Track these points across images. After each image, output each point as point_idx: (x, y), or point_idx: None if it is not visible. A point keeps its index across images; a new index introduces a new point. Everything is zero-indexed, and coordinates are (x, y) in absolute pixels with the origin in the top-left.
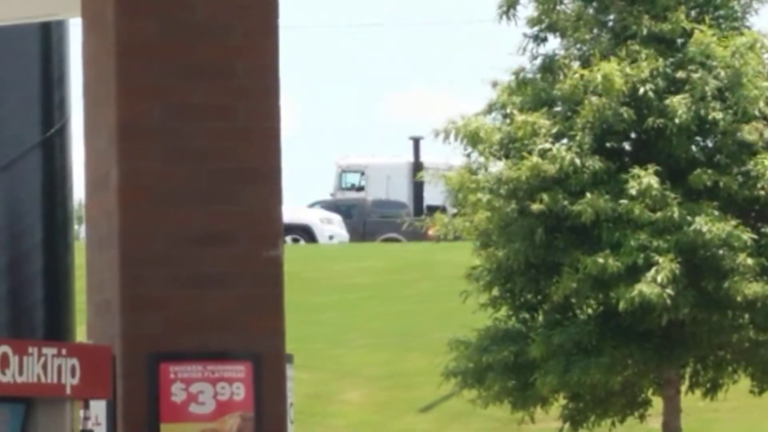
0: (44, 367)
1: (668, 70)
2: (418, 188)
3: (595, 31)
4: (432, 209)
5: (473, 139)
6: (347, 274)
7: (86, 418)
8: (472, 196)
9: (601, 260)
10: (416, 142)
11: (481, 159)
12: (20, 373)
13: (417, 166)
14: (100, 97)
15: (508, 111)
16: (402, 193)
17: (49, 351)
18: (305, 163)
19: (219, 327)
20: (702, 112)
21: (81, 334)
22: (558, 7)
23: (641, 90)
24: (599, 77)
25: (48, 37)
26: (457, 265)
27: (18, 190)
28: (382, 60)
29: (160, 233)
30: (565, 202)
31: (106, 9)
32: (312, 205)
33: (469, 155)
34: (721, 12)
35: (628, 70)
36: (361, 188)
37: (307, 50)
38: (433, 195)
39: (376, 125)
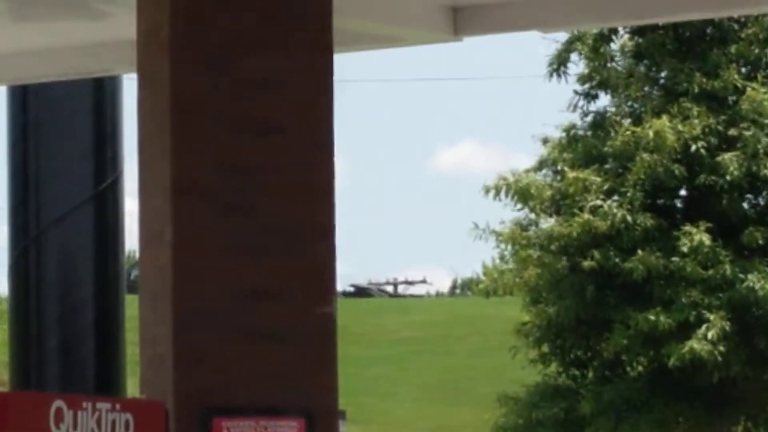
0: (98, 422)
1: (720, 128)
2: None
3: (646, 88)
4: None
5: (524, 195)
6: (397, 328)
7: None
8: (523, 252)
9: (652, 317)
10: None
11: (532, 215)
12: (74, 427)
13: None
14: (155, 153)
15: (559, 167)
16: None
17: (104, 406)
18: (358, 218)
19: (272, 382)
20: (754, 169)
21: (131, 387)
22: (609, 64)
23: (693, 147)
24: (651, 134)
25: (101, 92)
26: (506, 320)
27: (70, 242)
28: (433, 114)
29: (213, 288)
30: (617, 259)
31: (161, 65)
32: None
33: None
34: None
35: (679, 127)
36: None
37: (359, 104)
38: None
39: (426, 179)
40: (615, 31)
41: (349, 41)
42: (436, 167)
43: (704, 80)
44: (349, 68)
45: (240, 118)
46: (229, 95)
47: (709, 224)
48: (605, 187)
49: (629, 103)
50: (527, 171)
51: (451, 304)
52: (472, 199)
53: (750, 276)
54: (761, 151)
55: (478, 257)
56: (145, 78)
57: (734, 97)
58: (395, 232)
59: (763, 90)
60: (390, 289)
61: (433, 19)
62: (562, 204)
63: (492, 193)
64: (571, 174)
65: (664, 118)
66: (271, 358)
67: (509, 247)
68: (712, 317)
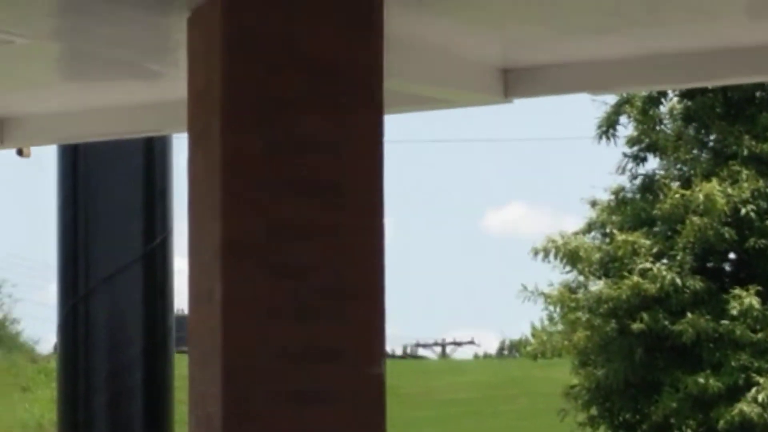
0: None
1: None
2: None
3: (695, 151)
4: None
5: (573, 257)
6: (445, 390)
7: None
8: (572, 315)
9: (701, 380)
10: None
11: (581, 278)
12: None
13: None
14: (205, 212)
15: (608, 230)
16: None
17: None
18: (406, 278)
19: None
20: None
21: None
22: (658, 127)
23: (742, 210)
24: (700, 197)
25: (151, 150)
26: (554, 382)
27: (120, 301)
28: (483, 175)
29: (262, 349)
30: (666, 322)
31: (212, 124)
32: None
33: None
34: None
35: (729, 190)
36: None
37: (409, 163)
38: None
39: (475, 240)
40: (664, 93)
41: (400, 102)
42: (485, 228)
43: (753, 143)
44: (400, 128)
45: (290, 178)
46: (279, 155)
47: (758, 287)
48: (654, 250)
49: (678, 166)
50: (576, 233)
51: (498, 365)
52: (520, 261)
53: None
54: None
55: (527, 319)
56: (196, 137)
57: None
58: (444, 293)
59: None
60: (438, 349)
61: (484, 81)
62: (611, 267)
63: (541, 255)
64: (620, 237)
65: (714, 181)
66: (319, 419)
67: (558, 309)
68: (761, 380)
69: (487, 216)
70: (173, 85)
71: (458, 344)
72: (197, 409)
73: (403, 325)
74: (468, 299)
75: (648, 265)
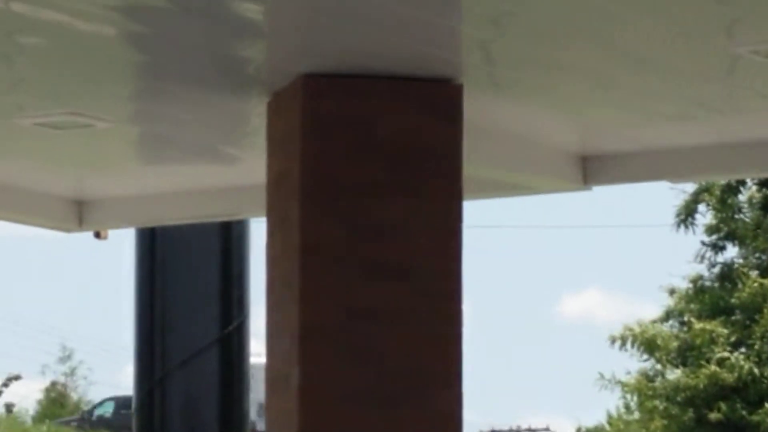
0: None
1: None
2: None
3: None
4: None
5: (650, 345)
6: None
7: None
8: (649, 403)
9: None
10: None
11: (658, 366)
12: None
13: None
14: (284, 297)
15: (686, 318)
16: None
17: None
18: (482, 363)
19: None
20: None
21: None
22: (736, 216)
23: None
24: None
25: (228, 234)
26: None
27: (195, 385)
28: (560, 261)
29: None
30: (743, 412)
31: (291, 210)
32: None
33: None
34: None
35: None
36: None
37: (486, 248)
38: None
39: (551, 326)
40: (743, 182)
41: (479, 188)
42: (561, 313)
43: None
44: (478, 213)
45: (369, 263)
46: (358, 240)
47: None
48: (732, 338)
49: (757, 255)
50: (654, 321)
51: None
52: (596, 347)
53: None
54: None
55: (603, 406)
56: (274, 221)
57: None
58: (519, 378)
59: None
60: None
61: (563, 168)
62: (688, 355)
63: (618, 342)
64: (698, 325)
65: None
66: None
67: (635, 397)
68: None
69: (563, 301)
70: (251, 168)
71: (533, 431)
72: None
73: (479, 411)
74: (543, 385)
75: (726, 354)
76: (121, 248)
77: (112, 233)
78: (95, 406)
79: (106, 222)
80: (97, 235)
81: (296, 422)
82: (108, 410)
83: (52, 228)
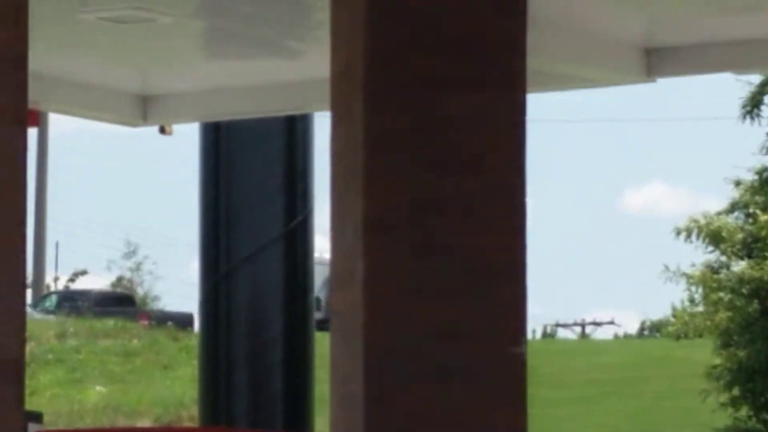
0: None
1: None
2: None
3: None
4: None
5: (715, 238)
6: (585, 370)
7: None
8: (714, 296)
9: None
10: None
11: (723, 258)
12: None
13: None
14: (347, 191)
15: (751, 210)
16: None
17: None
18: (545, 258)
19: (462, 422)
20: None
21: (319, 425)
22: None
23: None
24: None
25: (293, 129)
26: (696, 363)
27: (260, 280)
28: (623, 155)
29: (404, 327)
30: None
31: (355, 104)
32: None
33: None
34: None
35: None
36: None
37: (548, 143)
38: None
39: (614, 220)
40: None
41: (541, 81)
42: (624, 208)
43: None
44: (541, 107)
45: (433, 156)
46: (421, 133)
47: None
48: None
49: None
50: (719, 213)
51: (639, 346)
52: (660, 240)
53: None
54: None
55: (668, 299)
56: (338, 116)
57: None
58: (584, 273)
59: None
60: (578, 330)
61: (627, 60)
62: (753, 247)
63: (683, 235)
64: (763, 217)
65: None
66: (461, 398)
67: (700, 289)
68: None
69: (626, 195)
70: (315, 63)
71: (598, 324)
72: (339, 387)
73: (543, 306)
74: (608, 279)
75: None
76: (185, 144)
77: (177, 129)
78: (41, 299)
79: (170, 117)
80: (162, 130)
81: (361, 316)
82: (52, 303)
83: (118, 123)
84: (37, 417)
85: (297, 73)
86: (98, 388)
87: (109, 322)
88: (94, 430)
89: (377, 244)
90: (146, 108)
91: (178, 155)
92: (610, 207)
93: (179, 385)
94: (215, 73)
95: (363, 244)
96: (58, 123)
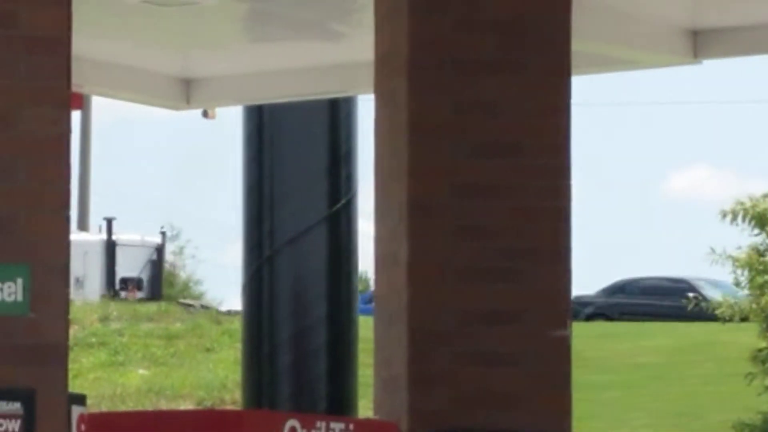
0: None
1: None
2: (110, 262)
3: None
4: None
5: (762, 220)
6: (629, 354)
7: None
8: (759, 278)
9: None
10: (109, 222)
11: None
12: None
13: (110, 243)
14: (392, 174)
15: None
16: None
17: (337, 426)
18: (588, 241)
19: (506, 405)
20: None
21: (362, 408)
22: None
23: None
24: None
25: (336, 113)
26: (742, 346)
27: (304, 263)
28: (666, 137)
29: (448, 310)
30: None
31: (398, 87)
32: None
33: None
34: None
35: None
36: None
37: (593, 126)
38: (126, 269)
39: (658, 202)
40: None
41: (587, 64)
42: (668, 191)
43: None
44: (586, 90)
45: (477, 139)
46: (466, 117)
47: None
48: None
49: None
50: (765, 196)
51: (684, 329)
52: (704, 224)
53: None
54: None
55: None
56: (382, 99)
57: None
58: (628, 255)
59: None
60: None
61: (673, 42)
62: None
63: (729, 217)
64: None
65: None
66: (505, 381)
67: (746, 272)
68: None
69: (670, 177)
70: (358, 45)
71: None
72: (382, 370)
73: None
74: (653, 262)
75: None
76: (228, 128)
77: (221, 113)
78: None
79: (213, 100)
80: (205, 114)
81: (405, 298)
82: None
83: (161, 106)
84: (80, 399)
85: (340, 56)
86: (141, 371)
87: (152, 306)
88: (137, 413)
89: (421, 227)
90: (189, 91)
91: (220, 139)
92: (654, 190)
93: (222, 368)
94: (258, 56)
95: (406, 227)
96: (101, 106)
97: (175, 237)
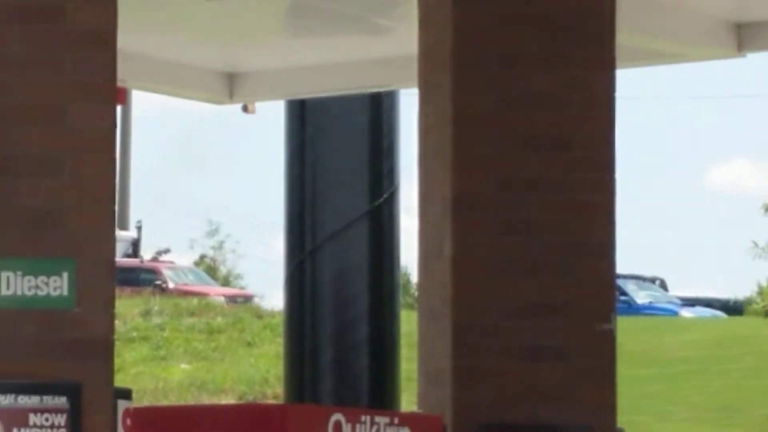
0: None
1: None
2: None
3: None
4: None
5: None
6: (671, 347)
7: None
8: None
9: None
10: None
11: None
12: None
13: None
14: (436, 168)
15: None
16: None
17: (382, 420)
18: (630, 235)
19: (551, 399)
20: None
21: (405, 402)
22: None
23: None
24: None
25: (378, 107)
26: None
27: (346, 258)
28: (707, 131)
29: (492, 304)
30: None
31: (443, 81)
32: None
33: None
34: None
35: None
36: None
37: (634, 120)
38: None
39: (698, 196)
40: None
41: (631, 57)
42: (708, 184)
43: None
44: (630, 84)
45: (521, 134)
46: (510, 111)
47: None
48: None
49: None
50: None
51: (725, 323)
52: (745, 217)
53: None
54: None
55: (753, 276)
56: (426, 93)
57: None
58: (669, 248)
59: None
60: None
61: (717, 35)
62: None
63: None
64: None
65: None
66: (549, 374)
67: None
68: None
69: (710, 171)
70: (401, 39)
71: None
72: (426, 364)
73: None
74: (694, 255)
75: None
76: (267, 123)
77: (261, 108)
78: None
79: (256, 94)
80: (245, 108)
81: (449, 293)
82: None
83: (204, 100)
84: (125, 393)
85: (383, 50)
86: (182, 365)
87: (193, 300)
88: (182, 407)
89: (465, 220)
90: (232, 86)
91: (259, 134)
92: (695, 183)
93: (263, 362)
94: (301, 51)
95: (451, 221)
96: (140, 101)
97: (215, 232)
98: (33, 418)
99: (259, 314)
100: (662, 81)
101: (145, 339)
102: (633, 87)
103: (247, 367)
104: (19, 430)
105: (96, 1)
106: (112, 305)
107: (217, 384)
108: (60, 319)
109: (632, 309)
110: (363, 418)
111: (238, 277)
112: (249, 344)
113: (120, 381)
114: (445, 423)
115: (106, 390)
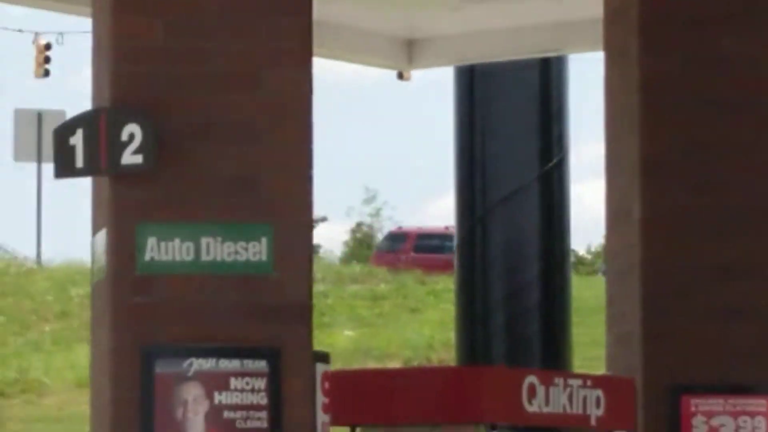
0: (570, 398)
1: None
2: None
3: None
4: None
5: None
6: None
7: None
8: None
9: None
10: None
11: None
12: (546, 403)
13: None
14: (623, 131)
15: None
16: None
17: (575, 382)
18: None
19: (741, 360)
20: None
21: (576, 367)
22: None
23: None
24: None
25: (547, 72)
26: None
27: (516, 222)
28: None
29: (682, 266)
30: None
31: (630, 44)
32: None
33: None
34: None
35: None
36: None
37: None
38: None
39: None
40: None
41: None
42: None
43: None
44: None
45: (708, 95)
46: (698, 73)
47: None
48: None
49: None
50: None
51: None
52: None
53: None
54: None
55: None
56: (613, 56)
57: None
58: None
59: None
60: None
61: None
62: None
63: None
64: None
65: None
66: (739, 336)
67: None
68: None
69: None
70: (575, 3)
71: None
72: (615, 327)
73: None
74: None
75: None
76: (423, 90)
77: (415, 75)
78: None
79: (434, 60)
80: (400, 75)
81: (638, 255)
82: None
83: (384, 67)
84: (324, 357)
85: (560, 14)
86: (347, 332)
87: (356, 267)
88: (379, 371)
89: (654, 183)
90: (411, 52)
91: (415, 101)
92: None
93: (428, 328)
94: (476, 16)
95: (639, 184)
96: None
97: (372, 199)
98: (234, 382)
99: (422, 280)
100: None
101: None
102: None
103: (411, 333)
104: (221, 393)
105: None
106: (311, 269)
107: (382, 350)
108: (259, 284)
109: None
110: (556, 380)
111: None
112: (413, 310)
113: None
114: (635, 385)
115: (304, 354)
